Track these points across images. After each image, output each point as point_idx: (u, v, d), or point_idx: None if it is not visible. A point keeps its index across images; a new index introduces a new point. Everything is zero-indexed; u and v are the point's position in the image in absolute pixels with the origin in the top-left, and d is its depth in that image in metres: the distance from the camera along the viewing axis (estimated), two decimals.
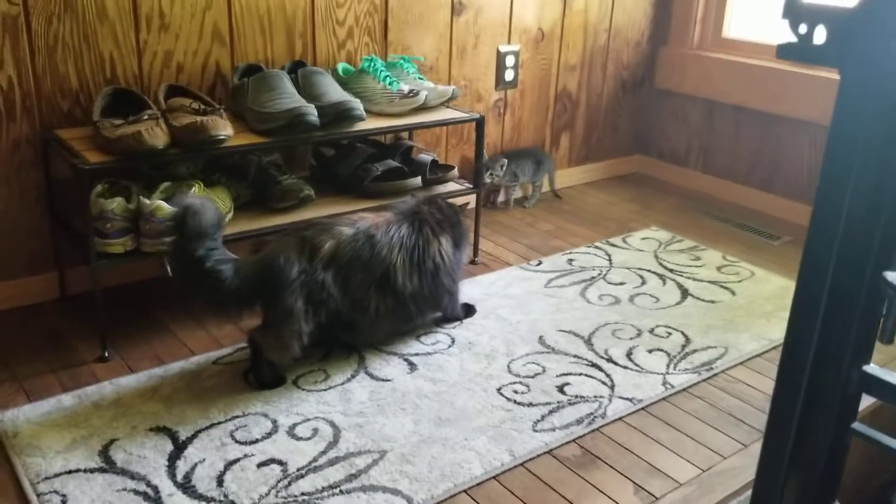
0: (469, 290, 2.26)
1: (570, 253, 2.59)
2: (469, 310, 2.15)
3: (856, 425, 0.88)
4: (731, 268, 2.52)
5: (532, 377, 1.87)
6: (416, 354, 1.95)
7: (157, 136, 1.81)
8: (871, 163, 0.66)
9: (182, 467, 1.52)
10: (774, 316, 2.22)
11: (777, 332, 2.13)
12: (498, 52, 2.82)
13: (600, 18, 3.08)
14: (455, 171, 2.44)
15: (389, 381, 1.84)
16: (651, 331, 2.11)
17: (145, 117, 1.87)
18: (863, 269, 0.73)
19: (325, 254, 1.76)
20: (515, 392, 1.81)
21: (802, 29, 0.67)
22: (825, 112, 2.75)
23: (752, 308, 2.27)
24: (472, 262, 2.47)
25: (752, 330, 2.14)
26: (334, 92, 2.14)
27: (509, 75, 2.87)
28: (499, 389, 1.82)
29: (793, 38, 0.71)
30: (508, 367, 1.91)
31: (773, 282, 2.43)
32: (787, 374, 0.80)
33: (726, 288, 2.38)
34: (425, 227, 1.90)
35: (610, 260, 2.54)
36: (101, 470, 1.51)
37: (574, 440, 1.67)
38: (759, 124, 3.05)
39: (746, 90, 3.01)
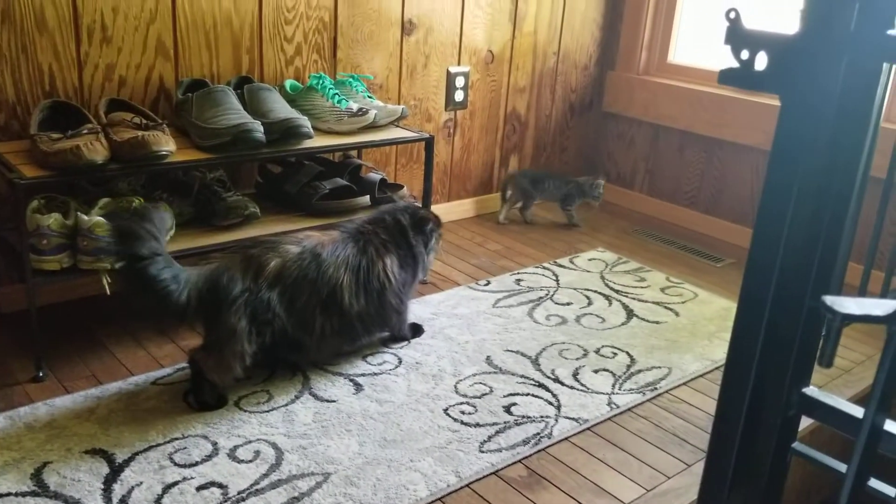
0: (417, 309, 2.25)
1: (519, 273, 2.59)
2: (417, 330, 2.13)
3: (796, 445, 0.90)
4: (675, 289, 2.56)
5: (479, 397, 1.86)
6: (363, 375, 1.93)
7: (96, 150, 1.76)
8: (811, 188, 0.67)
9: (118, 491, 1.47)
10: (717, 337, 2.25)
11: (719, 352, 2.17)
12: (448, 72, 2.83)
13: (549, 41, 3.11)
14: (405, 190, 2.43)
15: (334, 401, 1.81)
16: (597, 351, 2.12)
17: (85, 131, 1.82)
18: (802, 293, 0.74)
19: (271, 272, 1.73)
20: (462, 412, 1.80)
21: (744, 55, 0.68)
22: (767, 137, 2.82)
23: (696, 329, 2.30)
24: (422, 282, 2.45)
25: (695, 350, 2.17)
26: (281, 109, 2.12)
27: (459, 96, 2.89)
28: (445, 410, 1.80)
29: (734, 64, 0.72)
30: (455, 387, 1.90)
31: (715, 303, 2.47)
32: (729, 396, 0.80)
33: (670, 309, 2.41)
34: (369, 247, 1.89)
35: (557, 280, 2.56)
36: (34, 494, 1.45)
37: (520, 461, 1.67)
38: (703, 148, 3.11)
39: (691, 115, 3.08)
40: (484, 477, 1.61)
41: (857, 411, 0.77)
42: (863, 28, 0.66)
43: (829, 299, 0.62)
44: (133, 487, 1.48)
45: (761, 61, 0.68)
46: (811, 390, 0.80)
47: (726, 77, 0.69)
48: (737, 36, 0.67)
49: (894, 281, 1.80)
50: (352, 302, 1.82)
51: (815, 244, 0.70)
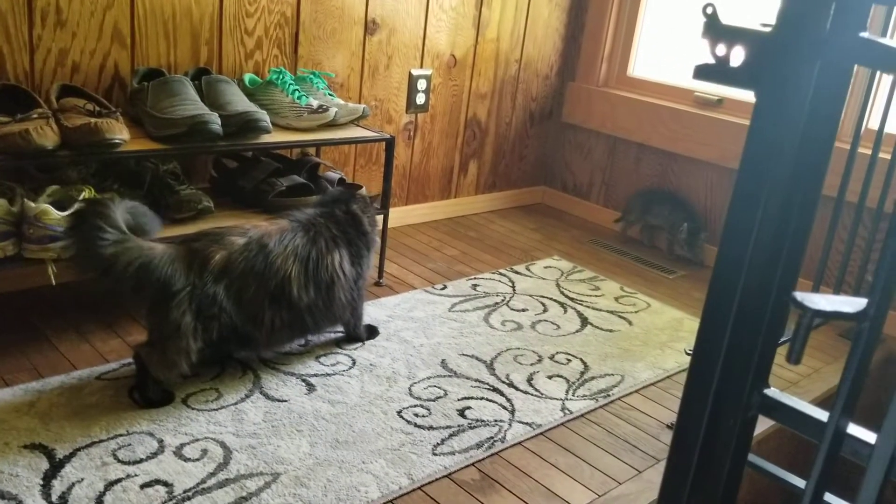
0: (372, 311, 2.22)
1: (475, 278, 2.59)
2: (372, 331, 2.11)
3: (751, 458, 0.90)
4: (629, 299, 2.58)
5: (433, 400, 1.84)
6: (315, 375, 1.89)
7: (46, 135, 1.71)
8: (781, 184, 0.67)
9: (58, 487, 1.42)
10: (668, 346, 2.27)
11: (671, 361, 2.18)
12: (410, 74, 2.81)
13: (511, 49, 3.12)
14: (363, 191, 2.40)
15: (286, 401, 1.77)
16: (551, 357, 2.12)
17: (35, 116, 1.76)
18: (768, 291, 0.74)
19: (216, 266, 1.68)
20: (416, 415, 1.78)
21: (720, 50, 0.67)
22: (722, 153, 2.87)
23: (648, 338, 2.31)
24: (377, 284, 2.43)
25: (647, 359, 2.18)
26: (240, 102, 2.08)
27: (420, 99, 2.87)
28: (399, 412, 1.78)
29: (709, 61, 0.71)
30: (410, 389, 1.88)
31: (667, 313, 2.50)
32: (693, 396, 0.80)
33: (623, 318, 2.43)
34: (320, 239, 1.85)
35: (513, 287, 2.56)
36: None
37: (473, 464, 1.65)
38: (658, 162, 3.15)
39: (648, 128, 3.11)
40: (436, 480, 1.59)
41: (819, 413, 0.77)
42: (837, 28, 0.66)
43: (800, 295, 0.62)
44: (74, 484, 1.43)
45: (737, 57, 0.68)
46: (772, 391, 0.80)
47: (702, 72, 0.69)
48: (714, 30, 0.67)
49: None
50: (301, 294, 1.79)
51: (782, 241, 0.70)
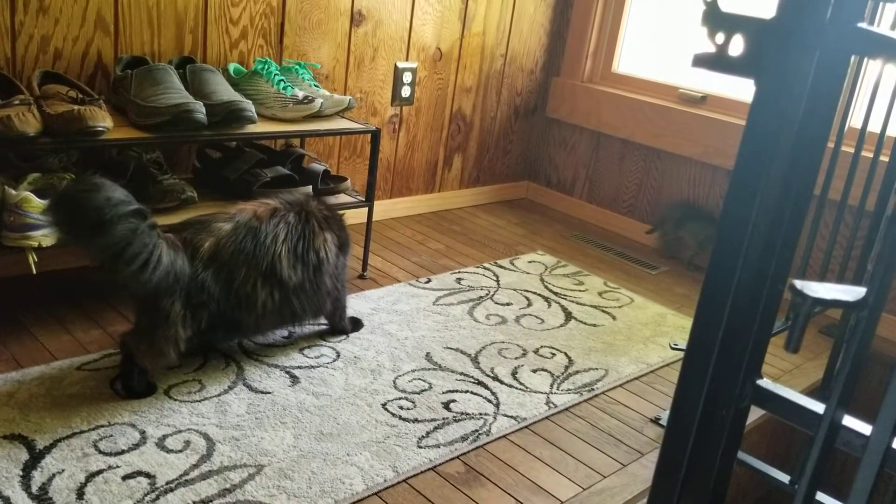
0: (357, 304, 2.21)
1: (459, 272, 2.58)
2: (356, 324, 2.10)
3: (740, 455, 0.90)
4: (612, 294, 2.58)
5: (418, 393, 1.84)
6: (299, 367, 1.88)
7: (28, 122, 1.68)
8: (779, 173, 0.67)
9: (38, 478, 1.40)
10: (651, 341, 2.28)
11: (654, 356, 2.19)
12: (395, 67, 2.80)
13: (497, 43, 3.12)
14: (348, 183, 2.39)
15: (269, 393, 1.76)
16: (536, 351, 2.12)
17: (16, 102, 1.74)
18: (763, 280, 0.74)
19: (205, 253, 1.67)
20: (401, 408, 1.77)
21: (720, 38, 0.67)
22: (705, 149, 2.88)
23: (631, 333, 2.32)
24: (361, 277, 2.42)
25: (630, 354, 2.19)
26: (225, 91, 2.06)
27: (406, 91, 2.86)
28: (384, 405, 1.77)
29: (707, 50, 0.71)
30: (394, 382, 1.87)
31: (650, 308, 2.50)
32: (687, 389, 0.80)
33: (607, 313, 2.43)
34: (312, 219, 1.85)
35: (497, 281, 2.55)
36: None
37: (458, 457, 1.65)
38: (642, 158, 3.16)
39: (632, 124, 3.12)
40: (421, 472, 1.58)
41: (812, 403, 0.77)
42: (836, 18, 0.66)
43: (799, 283, 0.62)
44: (54, 475, 1.41)
45: (736, 46, 0.67)
46: (765, 382, 0.80)
47: (700, 60, 0.68)
48: (714, 17, 0.66)
49: None
50: (290, 274, 1.77)
51: (778, 233, 0.70)
